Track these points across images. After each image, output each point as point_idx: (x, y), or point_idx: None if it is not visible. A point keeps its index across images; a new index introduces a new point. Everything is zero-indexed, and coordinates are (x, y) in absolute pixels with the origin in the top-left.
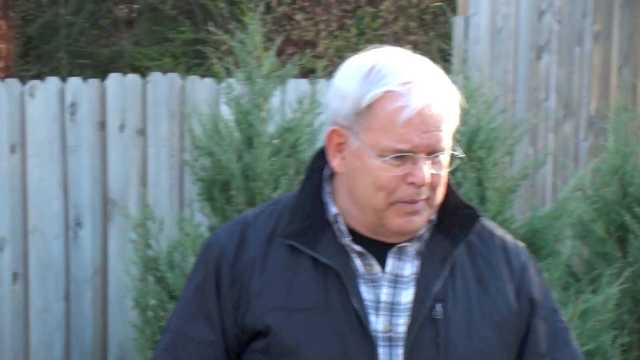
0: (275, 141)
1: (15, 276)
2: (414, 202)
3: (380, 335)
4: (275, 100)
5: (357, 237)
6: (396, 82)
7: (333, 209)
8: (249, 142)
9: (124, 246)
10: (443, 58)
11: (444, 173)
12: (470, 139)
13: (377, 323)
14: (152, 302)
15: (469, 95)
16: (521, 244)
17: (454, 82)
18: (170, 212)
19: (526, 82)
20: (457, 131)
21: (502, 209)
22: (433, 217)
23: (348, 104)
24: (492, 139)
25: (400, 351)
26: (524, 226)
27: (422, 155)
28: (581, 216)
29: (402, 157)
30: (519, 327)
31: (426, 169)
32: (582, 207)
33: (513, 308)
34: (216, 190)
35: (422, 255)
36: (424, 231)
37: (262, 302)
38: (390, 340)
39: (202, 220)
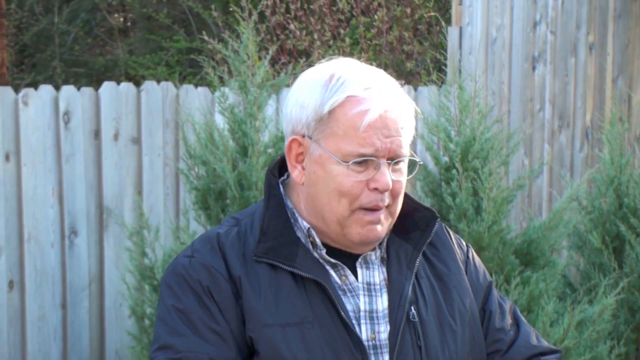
0: (270, 150)
1: (11, 284)
2: (377, 208)
3: (366, 343)
4: (269, 109)
5: (327, 249)
6: (357, 88)
7: (304, 224)
8: (243, 151)
9: (119, 254)
10: (437, 68)
11: (404, 180)
12: (465, 149)
13: (361, 332)
14: (149, 310)
15: (464, 105)
16: (455, 234)
17: (448, 92)
18: (166, 220)
19: (521, 93)
20: (452, 141)
21: (497, 219)
22: None
23: (309, 111)
24: (487, 149)
25: (386, 357)
26: (520, 236)
27: (384, 161)
28: (577, 226)
29: (365, 162)
30: (479, 312)
31: (388, 174)
32: (578, 217)
33: (472, 298)
34: (211, 199)
35: (386, 261)
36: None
37: (256, 319)
38: (375, 348)
39: (197, 228)
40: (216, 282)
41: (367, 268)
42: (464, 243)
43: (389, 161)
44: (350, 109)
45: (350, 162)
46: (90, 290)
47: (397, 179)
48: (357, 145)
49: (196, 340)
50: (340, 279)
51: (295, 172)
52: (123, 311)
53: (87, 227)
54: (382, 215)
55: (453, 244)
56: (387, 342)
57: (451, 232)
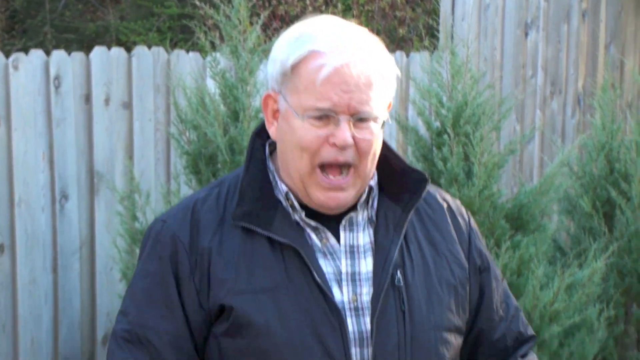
0: (262, 115)
1: (1, 248)
2: (336, 162)
3: (346, 306)
4: (261, 74)
5: (308, 211)
6: (321, 42)
7: (283, 187)
8: (234, 116)
9: (110, 219)
10: (430, 34)
11: (374, 139)
12: (457, 114)
13: (342, 294)
14: None
15: (456, 70)
16: (459, 202)
17: (440, 57)
18: (157, 184)
19: (513, 59)
20: (444, 106)
21: (488, 183)
22: (372, 183)
23: (277, 66)
24: (479, 114)
25: (367, 319)
26: (511, 201)
27: (344, 116)
28: (568, 191)
29: (325, 117)
30: (471, 286)
31: (347, 131)
32: (569, 182)
33: (465, 269)
34: (202, 163)
35: (374, 223)
36: (362, 199)
37: (226, 288)
38: (357, 310)
39: (188, 192)
40: (176, 253)
41: (351, 230)
42: (465, 211)
43: (351, 118)
44: (311, 64)
45: (305, 115)
46: (81, 254)
47: (363, 137)
48: (315, 100)
49: (147, 311)
50: (321, 241)
51: (272, 129)
52: (114, 275)
53: (78, 192)
54: (345, 181)
55: (453, 212)
56: (369, 304)
57: (449, 200)
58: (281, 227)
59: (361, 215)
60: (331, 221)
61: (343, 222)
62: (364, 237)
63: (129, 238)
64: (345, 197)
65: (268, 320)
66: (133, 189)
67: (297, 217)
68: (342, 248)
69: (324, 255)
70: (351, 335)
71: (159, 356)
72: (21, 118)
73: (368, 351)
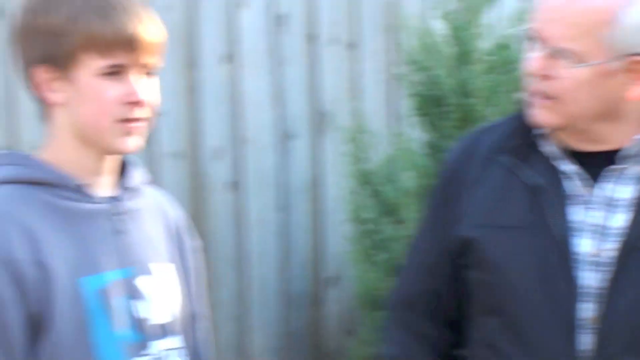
0: (490, 57)
1: (231, 185)
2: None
3: (585, 258)
4: (491, 15)
5: (571, 155)
6: None
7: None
8: (463, 58)
9: (337, 159)
10: None
11: (562, 79)
12: None
13: (584, 246)
14: (367, 215)
15: None
16: None
17: None
18: (383, 126)
19: None
20: None
21: None
22: None
23: None
24: None
25: (605, 276)
26: None
27: (539, 45)
28: None
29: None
30: None
31: (534, 59)
32: None
33: None
34: (430, 105)
35: None
36: (628, 152)
37: (472, 218)
38: (597, 265)
39: (415, 134)
40: (448, 178)
41: (616, 182)
42: None
43: (545, 49)
44: None
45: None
46: (308, 194)
47: (548, 73)
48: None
49: (421, 231)
50: (577, 188)
51: None
52: (340, 215)
53: (304, 131)
54: (537, 100)
55: None
56: (612, 261)
57: None
58: (538, 168)
59: (633, 169)
60: (596, 169)
61: (609, 172)
62: (628, 192)
63: (356, 179)
64: (542, 115)
65: (499, 258)
66: (360, 130)
67: (557, 162)
68: (599, 199)
69: (577, 203)
70: (584, 289)
71: (412, 277)
72: (247, 56)
73: (599, 308)
